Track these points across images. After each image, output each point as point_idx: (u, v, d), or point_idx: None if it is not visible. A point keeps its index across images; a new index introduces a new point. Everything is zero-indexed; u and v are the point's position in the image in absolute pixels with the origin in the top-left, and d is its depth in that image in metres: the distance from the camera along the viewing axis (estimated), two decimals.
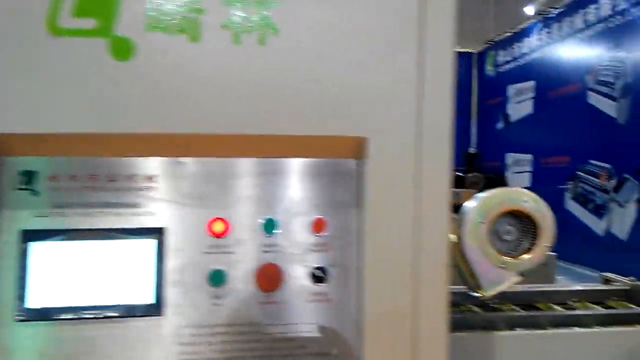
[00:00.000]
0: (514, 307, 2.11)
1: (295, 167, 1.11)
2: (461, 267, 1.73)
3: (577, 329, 1.81)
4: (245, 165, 1.09)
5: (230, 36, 1.01)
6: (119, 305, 1.06)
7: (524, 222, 1.77)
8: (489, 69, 11.54)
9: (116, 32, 0.98)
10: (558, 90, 8.83)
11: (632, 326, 1.79)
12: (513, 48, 10.49)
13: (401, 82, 1.10)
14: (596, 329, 1.79)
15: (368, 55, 1.09)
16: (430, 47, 1.10)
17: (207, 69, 1.02)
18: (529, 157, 9.78)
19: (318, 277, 1.11)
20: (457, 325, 1.82)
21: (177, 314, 1.07)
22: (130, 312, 1.06)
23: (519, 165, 10.20)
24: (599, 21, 7.94)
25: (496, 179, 4.98)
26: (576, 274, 6.94)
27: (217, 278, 1.07)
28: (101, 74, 0.99)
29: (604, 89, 7.79)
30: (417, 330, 1.12)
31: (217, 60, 1.02)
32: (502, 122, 10.87)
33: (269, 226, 1.10)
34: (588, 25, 8.21)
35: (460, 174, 4.71)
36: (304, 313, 1.11)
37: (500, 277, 1.72)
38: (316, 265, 1.11)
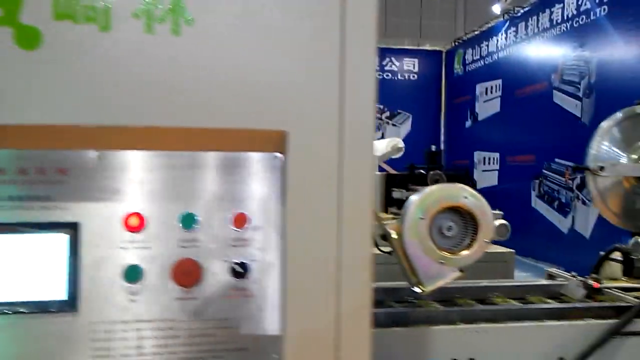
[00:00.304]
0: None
1: (215, 161, 1.09)
2: (402, 263, 1.73)
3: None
4: (163, 159, 1.07)
5: (143, 25, 0.99)
6: (31, 302, 1.03)
7: (466, 218, 1.78)
8: (457, 68, 11.63)
9: (22, 21, 0.95)
10: (525, 89, 8.94)
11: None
12: (481, 47, 10.59)
13: (322, 76, 1.09)
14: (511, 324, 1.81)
15: (288, 48, 1.07)
16: (351, 43, 1.09)
17: (118, 59, 0.99)
18: (496, 155, 9.88)
19: (238, 272, 1.09)
20: (399, 319, 1.82)
21: (91, 310, 1.04)
22: (42, 308, 1.03)
23: (487, 163, 10.30)
24: (565, 20, 8.05)
25: (459, 177, 5.01)
26: (539, 270, 7.02)
27: (132, 274, 1.05)
28: (7, 64, 0.95)
29: (569, 89, 7.90)
30: (340, 325, 1.11)
31: (129, 50, 1.00)
32: (470, 120, 10.97)
33: (188, 221, 1.08)
34: (553, 25, 8.32)
35: (423, 172, 4.74)
36: (224, 309, 1.10)
37: (439, 273, 1.72)
38: (236, 261, 1.09)
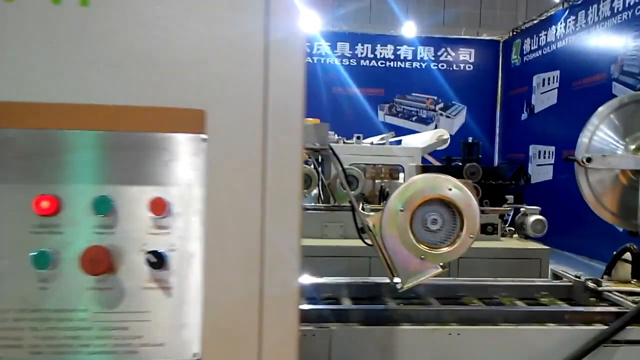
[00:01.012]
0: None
1: (132, 142, 1.03)
2: (381, 257, 1.63)
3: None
4: (77, 139, 1.01)
5: None
6: None
7: (453, 211, 1.65)
8: (515, 58, 11.22)
9: None
10: (583, 81, 8.54)
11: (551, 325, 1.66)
12: (539, 36, 10.18)
13: (244, 53, 1.01)
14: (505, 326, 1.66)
15: (208, 23, 1.00)
16: (276, 19, 1.01)
17: (23, 30, 0.94)
18: (551, 148, 9.50)
19: (155, 262, 1.03)
20: (378, 318, 1.71)
21: None
22: None
23: (542, 157, 9.93)
24: (626, 8, 7.61)
25: (494, 170, 4.80)
26: (594, 270, 6.69)
27: (42, 260, 1.00)
28: None
29: (629, 80, 7.48)
30: (264, 319, 1.03)
31: (34, 20, 0.94)
32: (526, 112, 10.58)
33: (102, 205, 1.02)
34: (614, 13, 7.88)
35: (459, 164, 4.55)
36: (139, 301, 1.04)
37: (419, 269, 1.61)
38: (154, 250, 1.03)
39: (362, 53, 11.64)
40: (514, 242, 4.17)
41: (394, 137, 6.97)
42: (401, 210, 1.58)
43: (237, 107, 1.01)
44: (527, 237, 4.31)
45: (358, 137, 6.48)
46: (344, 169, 1.69)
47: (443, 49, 11.87)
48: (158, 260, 1.03)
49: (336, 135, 6.60)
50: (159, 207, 1.03)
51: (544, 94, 9.90)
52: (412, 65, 11.71)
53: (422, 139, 6.79)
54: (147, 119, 1.01)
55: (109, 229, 1.03)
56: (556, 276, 2.08)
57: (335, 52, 11.59)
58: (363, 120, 11.01)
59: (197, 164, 1.03)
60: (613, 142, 1.85)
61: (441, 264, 1.59)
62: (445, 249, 1.59)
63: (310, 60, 11.54)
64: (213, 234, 1.02)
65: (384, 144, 6.56)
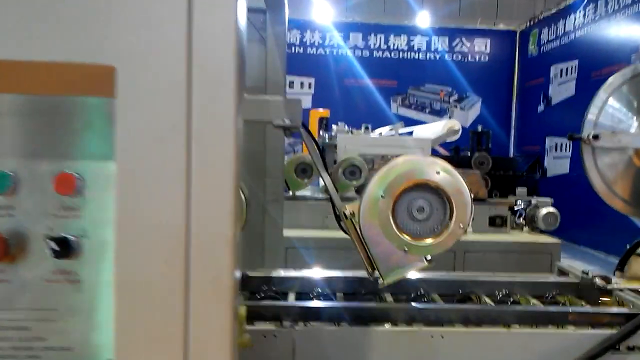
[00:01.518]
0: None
1: (36, 107, 0.85)
2: (358, 249, 1.45)
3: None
4: None
5: None
6: None
7: (443, 199, 1.47)
8: (532, 48, 10.93)
9: None
10: (602, 71, 8.24)
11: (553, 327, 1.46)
12: (557, 26, 9.88)
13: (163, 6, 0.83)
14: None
15: None
16: None
17: None
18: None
19: (62, 250, 0.86)
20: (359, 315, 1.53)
21: None
22: None
23: (559, 150, 9.66)
24: None
25: (506, 160, 4.58)
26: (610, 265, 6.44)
27: None
28: None
29: None
30: (190, 321, 0.85)
31: None
32: (543, 104, 10.30)
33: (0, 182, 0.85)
34: (636, 1, 7.59)
35: (468, 154, 4.35)
36: (43, 296, 0.87)
37: (401, 262, 1.43)
38: (59, 235, 0.85)
39: (375, 44, 11.42)
40: (524, 236, 3.96)
41: (404, 128, 6.78)
42: (382, 197, 1.40)
43: (154, 65, 0.83)
44: (541, 231, 4.10)
45: (367, 128, 6.31)
46: (320, 151, 1.50)
47: (458, 40, 11.62)
48: (64, 248, 0.86)
49: (346, 126, 6.44)
50: (67, 184, 0.86)
51: (562, 85, 9.61)
52: (426, 56, 11.47)
53: (433, 130, 6.58)
54: (48, 77, 0.83)
55: (8, 210, 0.86)
56: (562, 272, 1.88)
57: (348, 43, 11.39)
58: (375, 112, 10.81)
59: (112, 133, 0.86)
60: (625, 118, 1.63)
61: (427, 257, 1.40)
62: (431, 240, 1.40)
63: (323, 52, 11.36)
64: (127, 218, 0.84)
65: (393, 135, 6.38)
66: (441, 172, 1.40)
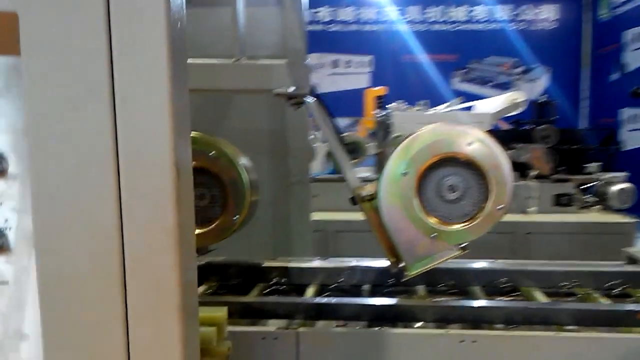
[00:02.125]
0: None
1: None
2: (377, 235, 1.25)
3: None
4: None
5: None
6: None
7: (480, 175, 1.24)
8: (603, 13, 10.22)
9: None
10: None
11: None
12: None
13: None
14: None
15: None
16: None
17: None
18: None
19: None
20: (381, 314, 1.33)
21: None
22: None
23: (636, 121, 9.04)
24: None
25: (574, 133, 4.23)
26: None
27: None
28: None
29: None
30: (131, 326, 0.69)
31: None
32: (617, 72, 9.63)
33: None
34: None
35: (530, 127, 4.02)
36: None
37: (429, 250, 1.22)
38: None
39: (433, 17, 11.01)
40: (594, 215, 3.63)
41: (462, 103, 6.47)
42: (404, 174, 1.19)
43: (56, 10, 0.66)
44: (615, 210, 3.73)
45: (423, 104, 6.04)
46: (333, 124, 1.31)
47: (522, 7, 11.03)
48: None
49: (404, 104, 6.21)
50: None
51: (638, 51, 8.95)
52: (487, 27, 10.95)
53: (494, 103, 6.23)
54: None
55: None
56: (632, 259, 1.61)
57: (405, 18, 11.03)
58: (435, 89, 10.43)
59: None
60: None
61: (459, 244, 1.19)
62: (462, 225, 1.19)
63: (379, 28, 11.04)
64: (44, 204, 0.68)
65: (450, 110, 6.08)
66: (474, 143, 1.18)
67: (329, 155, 3.86)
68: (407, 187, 1.20)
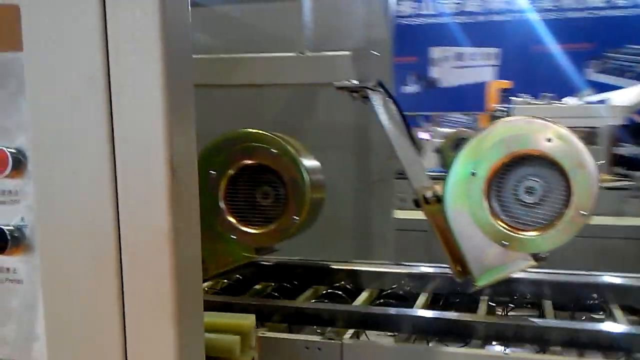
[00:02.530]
0: None
1: None
2: (441, 242, 1.14)
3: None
4: None
5: None
6: None
7: (561, 175, 1.09)
8: None
9: None
10: None
11: None
12: None
13: None
14: None
15: None
16: None
17: None
18: None
19: None
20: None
21: None
22: None
23: None
24: None
25: None
26: None
27: None
28: None
29: None
30: (129, 331, 0.67)
31: None
32: None
33: None
34: None
35: None
36: None
37: (499, 260, 1.09)
38: None
39: (567, 4, 10.32)
40: None
41: (597, 95, 6.02)
42: (473, 174, 1.08)
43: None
44: None
45: (547, 97, 5.71)
46: (403, 119, 1.22)
47: None
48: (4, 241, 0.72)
49: (529, 97, 5.94)
50: None
51: None
52: (628, 13, 10.08)
53: (630, 95, 5.71)
54: None
55: None
56: None
57: (535, 6, 10.44)
58: (567, 81, 9.78)
59: None
60: None
61: (535, 253, 1.06)
62: (538, 232, 1.06)
63: (504, 18, 10.54)
64: (44, 201, 0.67)
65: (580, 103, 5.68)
66: (554, 140, 1.04)
67: (438, 151, 3.72)
68: (475, 188, 1.08)
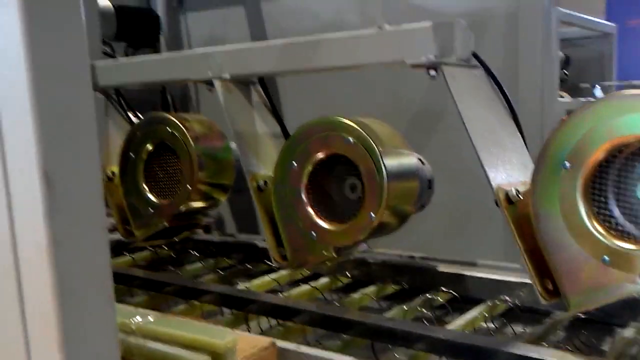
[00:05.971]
0: None
1: None
2: (522, 252, 0.89)
3: None
4: None
5: None
6: None
7: None
8: None
9: None
10: None
11: None
12: None
13: None
14: None
15: None
16: None
17: None
18: None
19: None
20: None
21: None
22: None
23: None
24: None
25: None
26: None
27: None
28: None
29: None
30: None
31: None
32: None
33: None
34: None
35: None
36: None
37: (599, 280, 0.81)
38: None
39: None
40: None
41: None
42: (565, 168, 0.83)
43: None
44: None
45: None
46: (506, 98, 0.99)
47: None
48: None
49: None
50: None
51: None
52: None
53: None
54: None
55: None
56: None
57: None
58: None
59: None
60: None
61: None
62: None
63: None
64: None
65: None
66: None
67: None
68: (569, 186, 0.84)
